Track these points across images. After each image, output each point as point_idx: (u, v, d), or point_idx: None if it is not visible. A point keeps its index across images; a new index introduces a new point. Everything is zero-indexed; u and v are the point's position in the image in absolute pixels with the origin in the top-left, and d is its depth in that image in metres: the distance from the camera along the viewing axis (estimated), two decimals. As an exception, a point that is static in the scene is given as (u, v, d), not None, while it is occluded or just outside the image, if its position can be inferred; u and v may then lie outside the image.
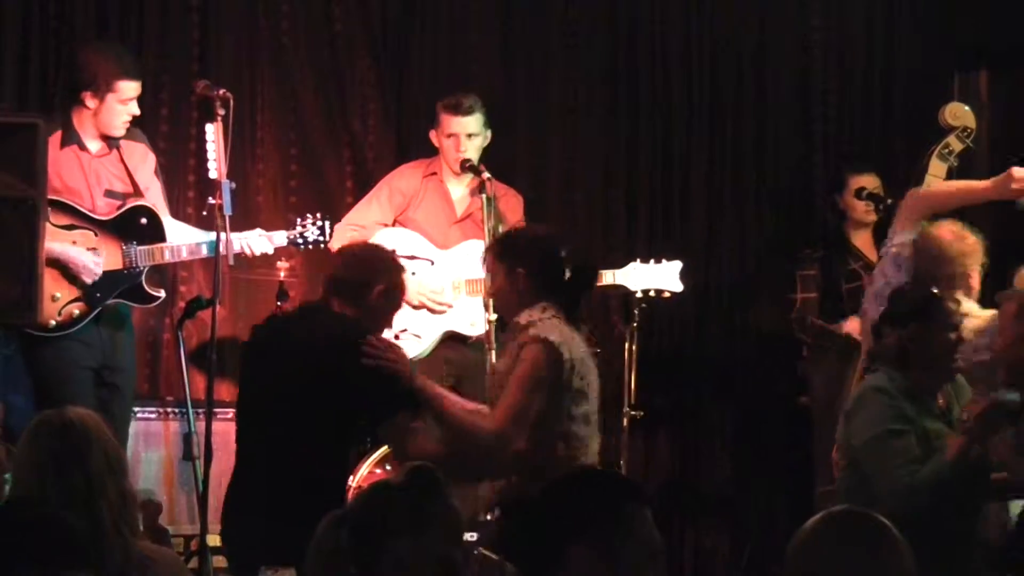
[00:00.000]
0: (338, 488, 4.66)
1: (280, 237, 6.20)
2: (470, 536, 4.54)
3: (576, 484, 3.05)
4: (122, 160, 6.15)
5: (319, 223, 6.22)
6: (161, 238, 6.06)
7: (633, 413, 6.56)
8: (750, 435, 7.41)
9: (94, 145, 6.13)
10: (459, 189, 6.51)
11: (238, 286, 6.88)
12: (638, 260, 6.42)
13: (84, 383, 5.98)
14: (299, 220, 6.25)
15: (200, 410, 6.03)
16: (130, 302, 6.07)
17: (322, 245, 6.24)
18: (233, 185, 5.93)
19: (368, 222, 6.45)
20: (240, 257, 6.13)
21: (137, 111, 6.11)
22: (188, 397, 6.23)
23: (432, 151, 6.55)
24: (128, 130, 6.16)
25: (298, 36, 7.12)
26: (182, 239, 6.09)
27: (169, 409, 6.49)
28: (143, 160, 6.23)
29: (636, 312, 6.50)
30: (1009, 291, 5.05)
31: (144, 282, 6.04)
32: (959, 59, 7.49)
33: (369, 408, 4.52)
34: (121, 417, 6.05)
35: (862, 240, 6.94)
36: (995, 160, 7.48)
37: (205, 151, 6.04)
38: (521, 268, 4.65)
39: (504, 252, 4.73)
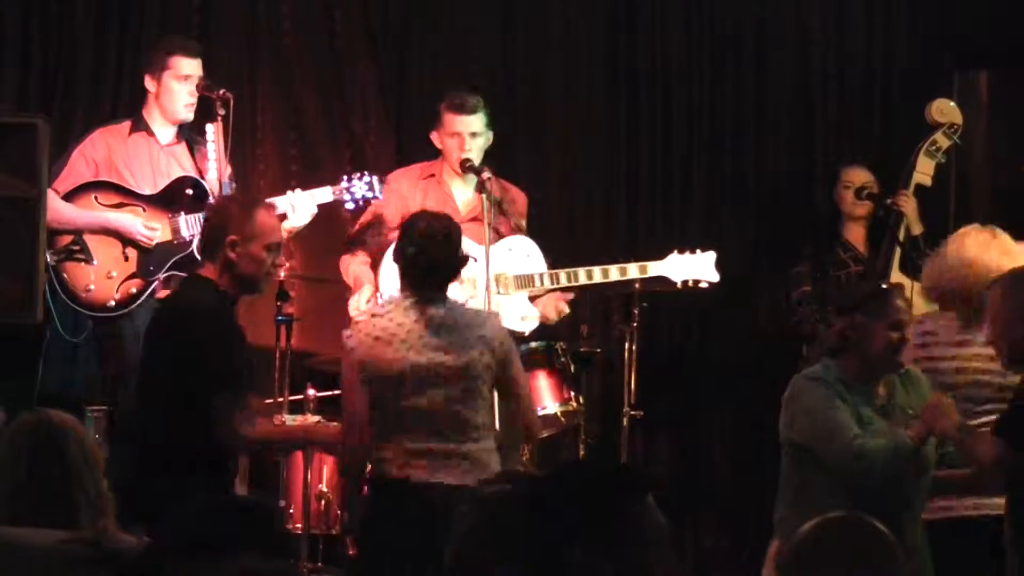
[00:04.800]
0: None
1: (325, 193, 6.10)
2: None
3: (575, 483, 3.03)
4: (191, 154, 6.16)
5: (366, 179, 6.11)
6: None
7: (633, 413, 6.57)
8: (750, 435, 7.41)
9: (164, 135, 6.15)
10: (464, 191, 6.37)
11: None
12: (675, 252, 6.37)
13: None
14: (344, 176, 6.15)
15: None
16: (184, 275, 6.06)
17: (372, 200, 6.13)
18: (234, 185, 5.95)
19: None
20: None
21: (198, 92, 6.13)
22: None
23: (431, 153, 6.48)
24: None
25: (298, 36, 7.13)
26: None
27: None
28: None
29: (636, 312, 6.50)
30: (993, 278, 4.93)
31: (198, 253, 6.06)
32: (959, 59, 7.48)
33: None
34: None
35: (855, 235, 6.93)
36: (995, 160, 7.49)
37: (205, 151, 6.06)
38: None
39: None
